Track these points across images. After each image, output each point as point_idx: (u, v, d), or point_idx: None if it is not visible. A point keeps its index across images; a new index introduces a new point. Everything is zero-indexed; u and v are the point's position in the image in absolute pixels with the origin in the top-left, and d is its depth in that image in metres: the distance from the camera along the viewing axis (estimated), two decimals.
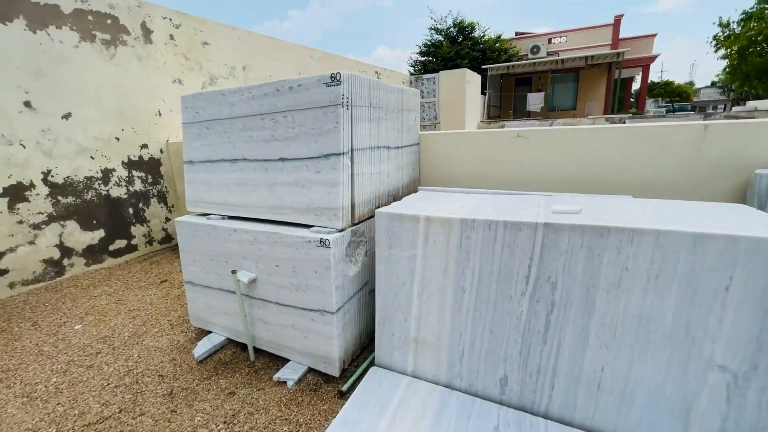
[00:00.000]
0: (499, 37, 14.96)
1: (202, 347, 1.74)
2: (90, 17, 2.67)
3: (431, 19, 22.89)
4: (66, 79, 2.57)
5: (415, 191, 2.13)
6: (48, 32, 2.47)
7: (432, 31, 15.05)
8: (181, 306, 2.22)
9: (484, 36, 14.71)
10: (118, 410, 1.42)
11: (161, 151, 3.21)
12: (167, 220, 3.30)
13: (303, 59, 4.88)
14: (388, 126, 1.73)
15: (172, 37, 3.22)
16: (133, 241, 3.05)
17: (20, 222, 2.41)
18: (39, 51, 2.43)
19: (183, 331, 1.94)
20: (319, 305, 1.45)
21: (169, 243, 3.33)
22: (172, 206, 3.33)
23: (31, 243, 2.47)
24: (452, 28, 14.72)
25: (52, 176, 2.54)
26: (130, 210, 3.01)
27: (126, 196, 2.97)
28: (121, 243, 2.96)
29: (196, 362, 1.68)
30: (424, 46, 15.07)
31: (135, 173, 3.03)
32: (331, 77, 1.36)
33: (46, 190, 2.51)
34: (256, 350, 1.72)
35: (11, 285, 2.39)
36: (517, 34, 16.78)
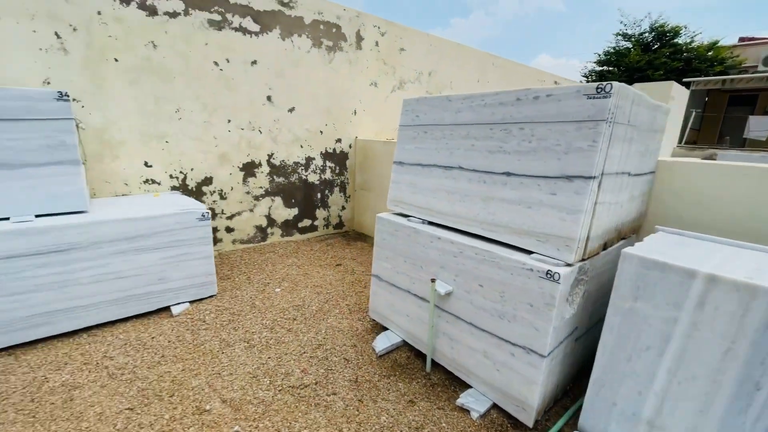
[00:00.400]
0: (715, 43, 11.99)
1: (382, 343, 1.79)
2: (321, 26, 3.11)
3: (621, 23, 19.93)
4: (296, 79, 3.06)
5: (639, 228, 1.76)
6: (292, 40, 2.97)
7: (619, 36, 13.09)
8: (355, 293, 2.37)
9: (691, 42, 12.01)
10: (314, 381, 1.55)
11: (350, 146, 3.55)
12: (343, 208, 3.65)
13: (483, 65, 4.77)
14: (636, 148, 1.43)
15: (377, 43, 3.52)
16: (316, 222, 3.47)
17: (248, 192, 2.97)
18: (283, 55, 2.94)
19: (360, 319, 2.06)
20: (527, 342, 1.29)
21: (340, 229, 3.69)
22: (349, 196, 3.67)
23: (251, 211, 3.03)
24: (647, 34, 12.49)
25: (273, 159, 3.07)
26: (318, 195, 3.43)
27: (318, 182, 3.40)
28: (307, 222, 3.40)
29: (377, 357, 1.74)
30: (605, 54, 13.23)
31: (328, 163, 3.43)
32: (597, 88, 1.17)
33: (267, 169, 3.05)
34: (433, 363, 1.67)
35: (233, 241, 2.99)
36: (741, 39, 13.17)
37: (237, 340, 1.80)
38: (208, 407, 1.39)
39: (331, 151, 3.43)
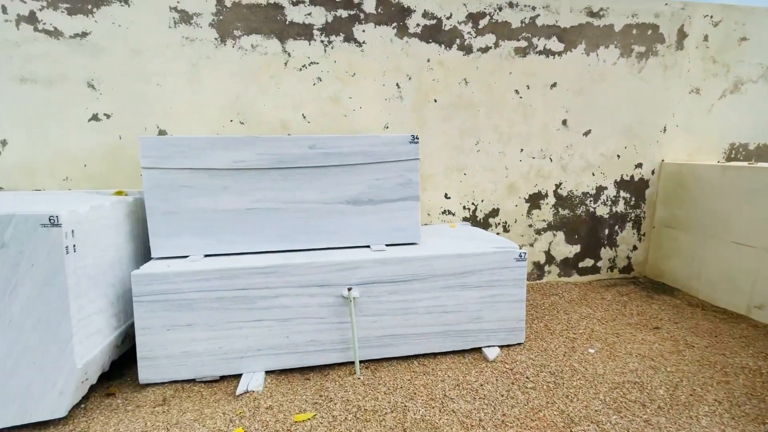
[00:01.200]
0: None
1: None
2: (634, 31, 2.60)
3: None
4: (596, 97, 2.64)
5: None
6: (597, 53, 2.58)
7: None
8: (719, 384, 1.68)
9: None
10: None
11: (652, 172, 2.84)
12: (634, 248, 2.94)
13: None
14: None
15: (705, 38, 2.70)
16: (599, 263, 2.91)
17: (530, 226, 2.74)
18: (585, 72, 2.59)
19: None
20: None
21: (627, 274, 2.98)
22: (643, 235, 2.93)
23: (531, 245, 2.78)
24: None
25: (560, 189, 2.73)
26: (606, 231, 2.87)
27: (607, 216, 2.84)
28: (588, 262, 2.89)
29: None
30: None
31: (622, 193, 2.83)
32: None
33: (553, 200, 2.74)
34: None
35: None
36: None
37: (581, 419, 1.49)
38: None
39: (627, 178, 2.81)
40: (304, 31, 2.24)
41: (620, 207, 2.84)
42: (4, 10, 1.99)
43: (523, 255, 1.93)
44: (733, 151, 2.93)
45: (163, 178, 1.77)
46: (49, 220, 1.35)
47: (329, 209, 1.93)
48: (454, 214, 2.61)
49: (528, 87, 2.53)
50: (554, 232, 2.78)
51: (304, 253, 1.89)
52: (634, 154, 2.78)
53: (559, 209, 2.75)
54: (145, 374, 1.67)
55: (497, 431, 1.42)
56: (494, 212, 2.66)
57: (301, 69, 2.27)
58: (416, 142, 1.96)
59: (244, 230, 1.87)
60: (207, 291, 1.67)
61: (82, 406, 1.57)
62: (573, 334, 2.13)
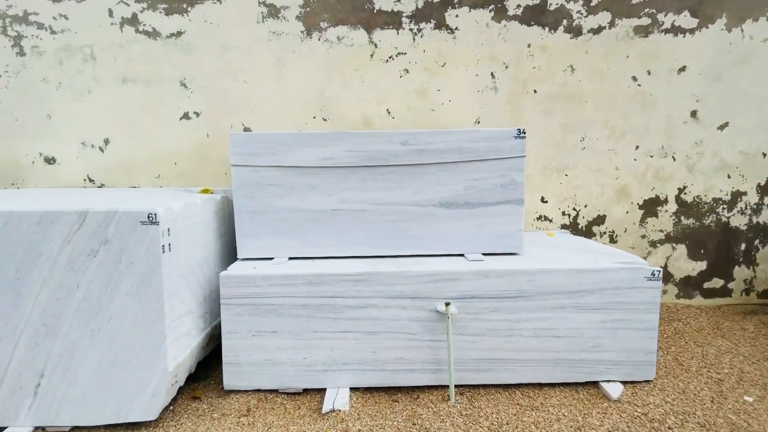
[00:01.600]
0: None
1: None
2: None
3: None
4: (737, 82, 2.17)
5: None
6: (741, 28, 2.12)
7: None
8: None
9: None
10: None
11: None
12: None
13: None
14: None
15: None
16: (730, 285, 2.40)
17: (643, 236, 2.33)
18: (724, 52, 2.14)
19: None
20: None
21: (766, 299, 2.43)
22: None
23: (644, 259, 2.36)
24: None
25: (685, 194, 2.29)
26: (743, 246, 2.35)
27: (745, 227, 2.33)
28: (717, 282, 2.39)
29: None
30: None
31: (766, 200, 2.30)
32: None
33: (674, 207, 2.30)
34: None
35: None
36: None
37: None
38: None
39: None
40: (393, 20, 2.08)
41: (764, 217, 2.32)
42: (111, 13, 2.08)
43: (656, 273, 1.58)
44: None
45: (251, 176, 1.70)
46: (148, 217, 1.31)
47: (421, 212, 1.74)
48: (551, 221, 2.29)
49: (649, 72, 2.14)
50: (674, 244, 2.33)
51: (392, 260, 1.72)
52: None
53: (682, 218, 2.30)
54: (230, 380, 1.60)
55: None
56: (599, 219, 2.29)
57: (387, 60, 2.12)
58: (522, 137, 1.70)
59: (330, 232, 1.75)
60: (293, 297, 1.56)
61: (171, 408, 1.53)
62: (716, 373, 1.72)
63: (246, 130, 2.17)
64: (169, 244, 1.39)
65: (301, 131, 1.72)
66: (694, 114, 2.19)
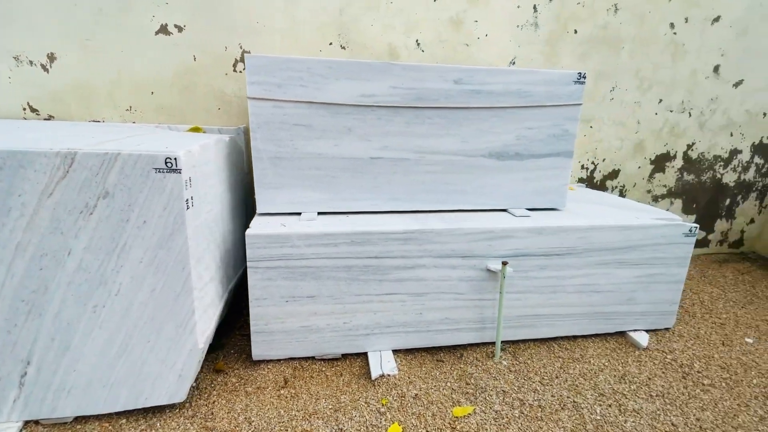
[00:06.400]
0: None
1: None
2: None
3: None
4: (760, 38, 2.16)
5: None
6: None
7: None
8: None
9: None
10: None
11: None
12: (752, 221, 2.63)
13: None
14: None
15: None
16: (710, 237, 2.62)
17: (648, 191, 2.40)
18: (756, 4, 2.09)
19: None
20: None
21: (736, 248, 2.70)
22: (765, 207, 2.60)
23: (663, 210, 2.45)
24: None
25: (692, 150, 2.35)
26: (727, 201, 2.53)
27: (733, 184, 2.49)
28: (699, 234, 2.59)
29: None
30: None
31: (756, 159, 2.45)
32: None
33: (680, 164, 2.37)
34: None
35: None
36: None
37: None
38: None
39: (767, 141, 2.42)
40: None
41: (750, 174, 2.48)
42: None
43: (693, 230, 1.62)
44: None
45: (274, 113, 1.38)
46: (166, 163, 1.00)
47: (468, 163, 1.56)
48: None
49: (686, 20, 2.04)
50: (672, 199, 2.45)
51: (438, 215, 1.56)
52: None
53: (684, 174, 2.39)
54: (259, 350, 1.42)
55: None
56: (614, 174, 2.30)
57: None
58: (582, 83, 1.54)
59: (366, 185, 1.52)
60: (335, 258, 1.36)
61: (194, 384, 1.33)
62: (717, 318, 1.88)
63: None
64: (192, 198, 1.09)
65: (338, 59, 1.40)
66: (716, 69, 2.18)
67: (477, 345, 1.60)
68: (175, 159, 1.00)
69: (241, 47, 1.74)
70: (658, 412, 1.30)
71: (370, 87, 1.41)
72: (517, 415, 1.26)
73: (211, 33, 1.70)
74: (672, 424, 1.26)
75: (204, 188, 1.22)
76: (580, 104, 1.56)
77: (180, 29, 1.68)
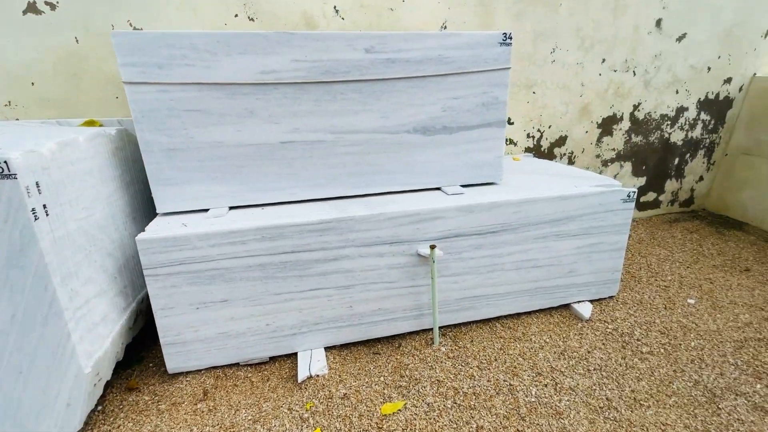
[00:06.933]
0: None
1: None
2: None
3: None
4: None
5: None
6: None
7: None
8: None
9: None
10: None
11: (740, 89, 2.40)
12: (700, 179, 2.62)
13: None
14: None
15: None
16: (661, 197, 2.60)
17: (598, 156, 2.34)
18: None
19: None
20: None
21: (687, 207, 2.71)
22: (713, 163, 2.59)
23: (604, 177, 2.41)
24: None
25: (638, 111, 2.28)
26: (676, 160, 2.51)
27: (681, 142, 2.46)
28: (651, 196, 2.57)
29: None
30: None
31: (702, 115, 2.41)
32: None
33: (627, 125, 2.30)
34: None
35: None
36: None
37: (722, 390, 1.25)
38: None
39: (712, 97, 2.37)
40: None
41: (697, 132, 2.45)
42: None
43: (631, 194, 1.56)
44: None
45: (158, 99, 1.20)
46: None
47: (392, 140, 1.44)
48: (516, 144, 2.16)
49: None
50: (622, 162, 2.40)
51: (361, 200, 1.44)
52: (726, 65, 2.30)
53: (632, 136, 2.34)
54: (174, 363, 1.30)
55: (635, 413, 1.17)
56: (561, 141, 2.22)
57: None
58: (508, 44, 1.42)
59: (281, 172, 1.38)
60: (245, 257, 1.23)
61: (99, 408, 1.21)
62: (662, 281, 1.87)
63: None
64: (45, 206, 0.93)
65: (229, 31, 1.22)
66: (658, 23, 2.09)
67: (417, 333, 1.53)
68: (6, 163, 0.83)
69: (131, 24, 1.52)
70: (593, 387, 1.26)
71: (269, 62, 1.24)
72: (449, 405, 1.20)
73: (91, 9, 1.47)
74: (606, 398, 1.22)
75: (73, 192, 1.05)
76: (509, 68, 1.44)
77: (53, 6, 1.44)
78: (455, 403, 1.21)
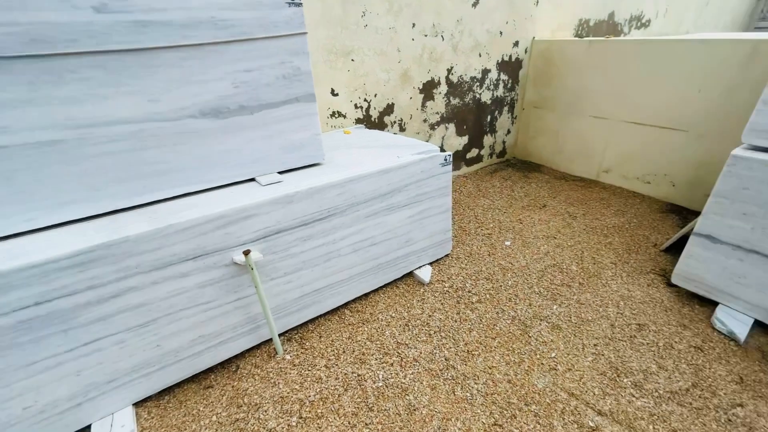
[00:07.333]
0: None
1: (738, 327, 1.37)
2: None
3: None
4: None
5: None
6: None
7: None
8: (607, 247, 1.88)
9: None
10: (690, 385, 1.20)
11: (525, 51, 2.78)
12: (508, 132, 3.03)
13: None
14: None
15: None
16: (482, 152, 2.92)
17: (425, 121, 2.43)
18: None
19: (649, 285, 1.62)
20: None
21: (502, 158, 3.12)
22: (515, 117, 3.01)
23: (426, 141, 2.52)
24: None
25: (452, 74, 2.42)
26: (489, 118, 2.81)
27: (490, 101, 2.75)
28: (474, 152, 2.86)
29: (738, 343, 1.33)
30: None
31: (502, 76, 2.72)
32: None
33: (445, 89, 2.43)
34: None
35: None
36: None
37: (531, 319, 1.45)
38: (591, 423, 1.09)
39: (507, 59, 2.69)
40: None
41: (500, 91, 2.78)
42: None
43: (448, 158, 1.63)
44: (580, 27, 3.12)
45: None
46: None
47: (174, 129, 1.13)
48: (345, 116, 2.06)
49: None
50: (446, 125, 2.57)
51: (147, 210, 1.12)
52: (513, 30, 2.62)
53: (451, 98, 2.50)
54: None
55: (468, 366, 1.26)
56: (389, 109, 2.22)
57: None
58: (299, 4, 1.23)
59: (6, 191, 0.95)
60: None
61: None
62: (486, 229, 2.10)
63: None
64: None
65: None
66: None
67: (257, 347, 1.35)
68: None
69: None
70: (434, 351, 1.32)
71: None
72: (294, 423, 1.08)
73: None
74: (445, 358, 1.29)
75: None
76: (305, 33, 1.27)
77: None
78: (300, 417, 1.10)
